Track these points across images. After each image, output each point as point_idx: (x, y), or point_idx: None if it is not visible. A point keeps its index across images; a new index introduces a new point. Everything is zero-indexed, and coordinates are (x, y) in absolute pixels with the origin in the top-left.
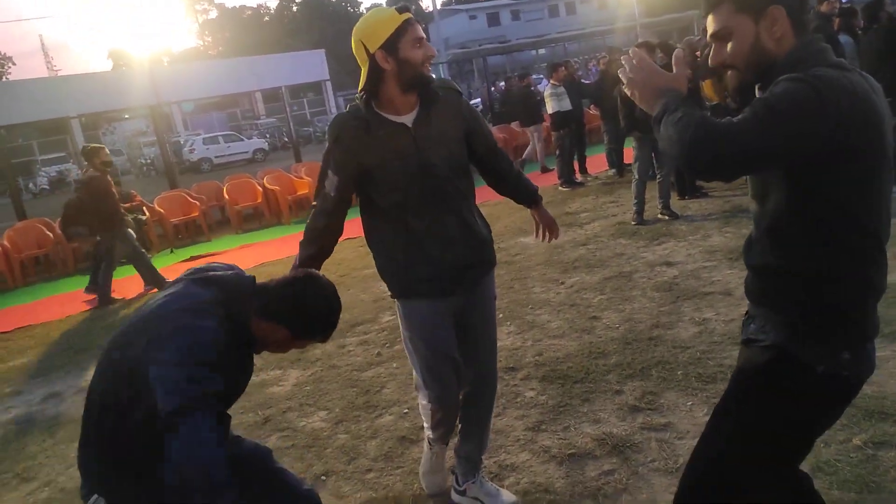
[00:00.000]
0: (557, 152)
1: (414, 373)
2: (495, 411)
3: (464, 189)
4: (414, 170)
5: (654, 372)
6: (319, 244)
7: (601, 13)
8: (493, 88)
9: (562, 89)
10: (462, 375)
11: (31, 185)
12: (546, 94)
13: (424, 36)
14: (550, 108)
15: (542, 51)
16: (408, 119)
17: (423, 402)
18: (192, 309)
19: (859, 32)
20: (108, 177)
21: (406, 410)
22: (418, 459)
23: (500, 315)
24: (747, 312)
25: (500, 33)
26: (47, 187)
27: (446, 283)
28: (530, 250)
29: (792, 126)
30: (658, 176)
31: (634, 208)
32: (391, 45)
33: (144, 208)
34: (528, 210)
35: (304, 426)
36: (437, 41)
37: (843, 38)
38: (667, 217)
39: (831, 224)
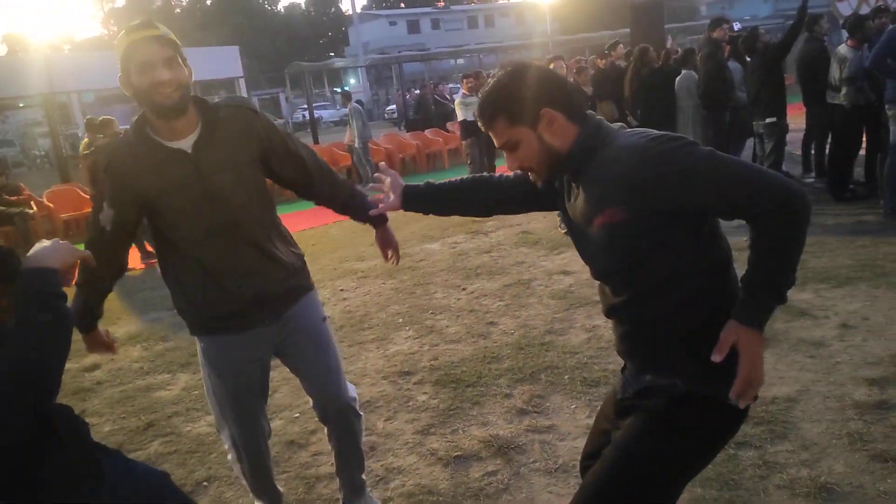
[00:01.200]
0: (469, 161)
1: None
2: (385, 414)
3: (261, 216)
4: (199, 199)
5: (543, 376)
6: (98, 286)
7: (519, 27)
8: (408, 96)
9: (472, 99)
10: (263, 419)
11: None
12: (456, 102)
13: (160, 58)
14: (460, 115)
15: (460, 60)
16: (186, 143)
17: (227, 447)
18: None
19: (747, 59)
20: None
21: (297, 415)
22: (305, 464)
23: (401, 320)
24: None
25: (419, 41)
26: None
27: (248, 318)
28: (435, 256)
29: None
30: None
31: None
32: (125, 70)
33: (32, 202)
34: (436, 216)
35: (189, 431)
36: (356, 45)
37: (733, 65)
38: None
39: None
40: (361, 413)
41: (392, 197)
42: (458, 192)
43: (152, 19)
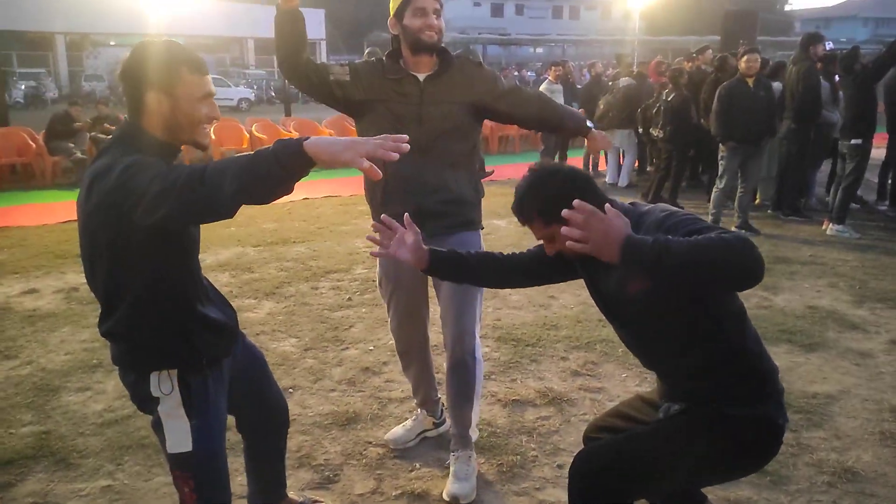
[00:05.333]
0: (542, 148)
1: None
2: None
3: (456, 149)
4: (411, 118)
5: (598, 347)
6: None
7: (603, 22)
8: None
9: (558, 87)
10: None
11: (5, 96)
12: (541, 89)
13: (433, 7)
14: None
15: (539, 49)
16: (421, 75)
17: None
18: None
19: (836, 79)
20: None
21: (371, 348)
22: (379, 387)
23: None
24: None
25: (501, 25)
26: (21, 101)
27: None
28: (501, 232)
29: None
30: (740, 189)
31: (711, 217)
32: (397, 14)
33: None
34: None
35: (275, 348)
36: None
37: (823, 83)
38: (743, 232)
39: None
40: (478, 358)
41: (410, 249)
42: (477, 263)
43: None
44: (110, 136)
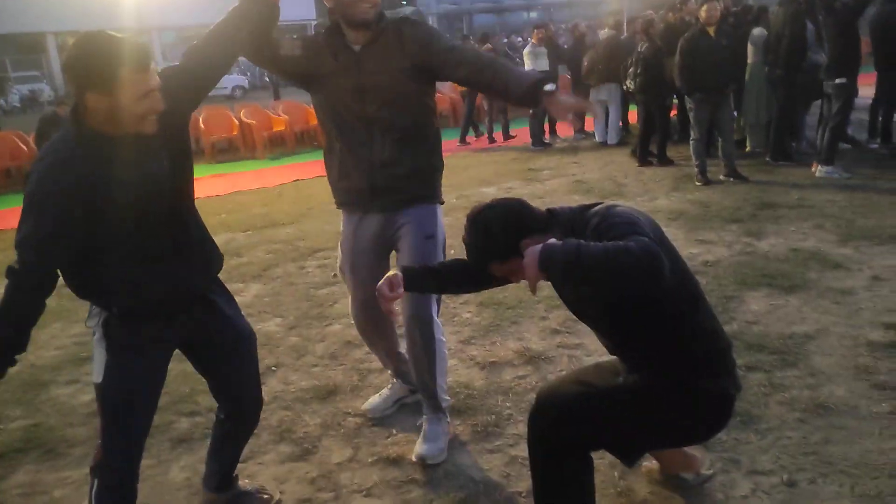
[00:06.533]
0: (531, 112)
1: None
2: None
3: (401, 120)
4: (353, 91)
5: None
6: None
7: None
8: (479, 48)
9: (542, 49)
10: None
11: (1, 101)
12: (525, 52)
13: None
14: (528, 65)
15: (533, 14)
16: (357, 46)
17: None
18: None
19: (819, 19)
20: None
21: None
22: (359, 359)
23: (452, 252)
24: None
25: None
26: (18, 105)
27: (363, 205)
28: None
29: None
30: (719, 139)
31: (697, 168)
32: None
33: None
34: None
35: (259, 329)
36: None
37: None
38: (731, 180)
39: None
40: (437, 337)
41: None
42: (450, 274)
43: None
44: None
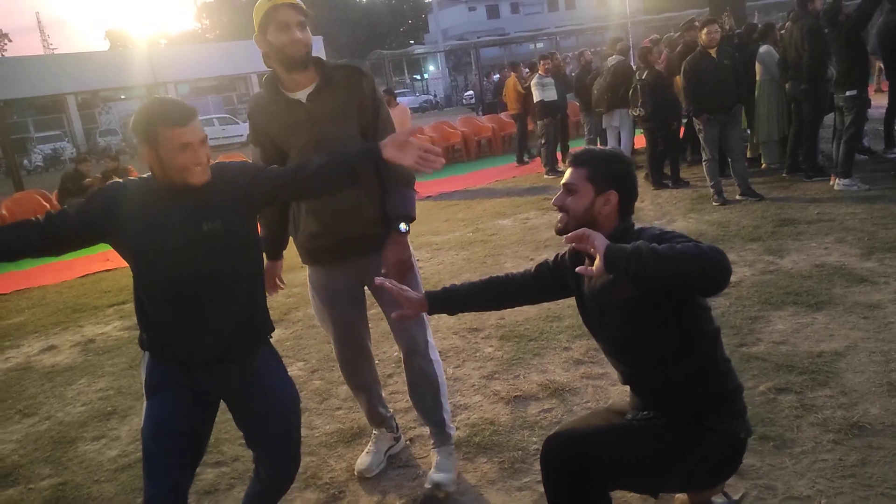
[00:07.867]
0: (542, 141)
1: None
2: (455, 363)
3: None
4: (309, 143)
5: None
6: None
7: (599, 10)
8: (486, 80)
9: (549, 80)
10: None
11: (25, 161)
12: (532, 83)
13: (296, 20)
14: (536, 97)
15: (539, 44)
16: (302, 95)
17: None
18: None
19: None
20: None
21: (377, 362)
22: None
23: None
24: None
25: (499, 26)
26: (41, 164)
27: (336, 254)
28: (506, 231)
29: None
30: (730, 158)
31: (712, 189)
32: (261, 29)
33: None
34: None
35: None
36: (436, 32)
37: None
38: (747, 199)
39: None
40: (434, 359)
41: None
42: (475, 291)
43: None
44: None
